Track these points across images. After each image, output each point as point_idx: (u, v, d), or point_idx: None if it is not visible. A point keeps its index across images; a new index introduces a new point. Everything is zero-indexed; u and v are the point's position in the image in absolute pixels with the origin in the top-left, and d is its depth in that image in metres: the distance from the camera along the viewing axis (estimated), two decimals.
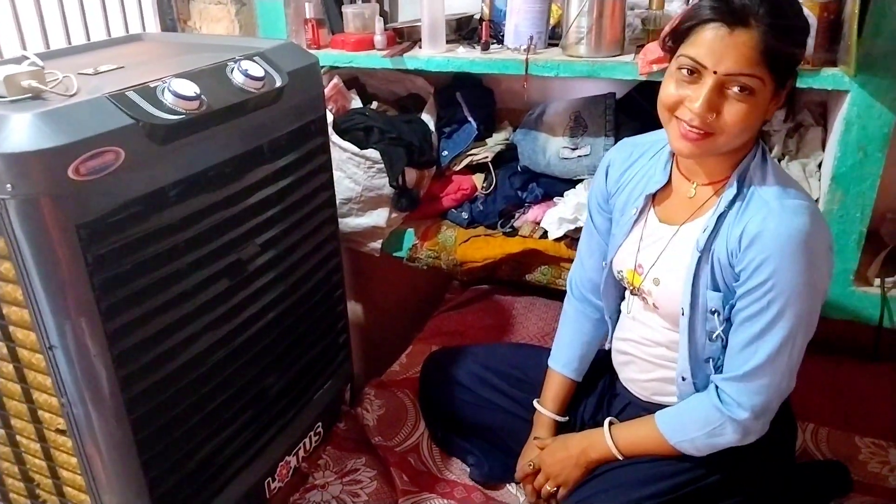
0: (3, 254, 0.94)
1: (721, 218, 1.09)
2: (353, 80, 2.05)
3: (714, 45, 0.97)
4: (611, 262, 1.29)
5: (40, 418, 1.09)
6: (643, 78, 1.53)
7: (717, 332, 1.12)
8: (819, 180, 1.55)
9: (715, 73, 0.98)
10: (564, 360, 1.39)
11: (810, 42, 1.35)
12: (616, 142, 1.72)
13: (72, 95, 1.00)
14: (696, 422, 1.14)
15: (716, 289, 1.10)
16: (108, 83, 1.05)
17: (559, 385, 1.39)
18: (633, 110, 1.78)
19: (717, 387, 1.13)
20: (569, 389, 1.39)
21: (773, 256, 1.01)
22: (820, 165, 1.57)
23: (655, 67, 1.49)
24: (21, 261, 0.92)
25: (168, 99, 1.02)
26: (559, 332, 1.44)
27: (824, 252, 1.04)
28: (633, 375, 1.30)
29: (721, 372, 1.13)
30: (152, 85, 1.03)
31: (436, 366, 1.58)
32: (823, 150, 1.58)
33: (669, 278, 1.16)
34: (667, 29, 1.09)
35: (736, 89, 0.98)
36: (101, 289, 0.97)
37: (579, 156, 1.74)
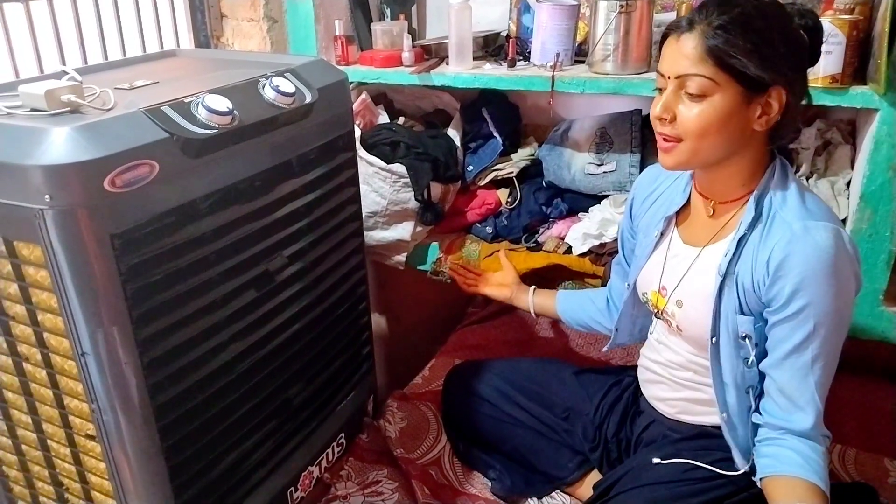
0: (39, 262, 0.97)
1: (742, 241, 1.09)
2: (381, 95, 2.07)
3: (667, 54, 1.05)
4: (634, 283, 1.29)
5: (71, 423, 1.11)
6: None
7: (750, 359, 1.11)
8: (848, 199, 1.53)
9: (669, 77, 1.04)
10: (565, 307, 1.55)
11: (838, 59, 1.35)
12: (642, 158, 1.73)
13: (109, 109, 1.03)
14: (823, 465, 1.08)
15: (743, 312, 1.10)
16: (143, 98, 1.08)
17: (551, 307, 1.57)
18: None
19: (812, 437, 1.08)
20: (550, 311, 1.57)
21: (807, 281, 1.01)
22: (849, 184, 1.56)
23: None
24: (57, 269, 0.95)
25: (201, 114, 1.05)
26: (585, 292, 1.56)
27: (850, 272, 1.03)
28: (660, 394, 1.30)
29: (764, 401, 1.12)
30: (186, 100, 1.06)
31: (458, 379, 1.59)
32: (852, 168, 1.57)
33: (692, 301, 1.16)
34: None
35: (689, 91, 1.02)
36: (134, 298, 0.99)
37: (605, 172, 1.74)
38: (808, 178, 1.59)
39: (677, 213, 1.23)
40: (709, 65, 1.00)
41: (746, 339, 1.10)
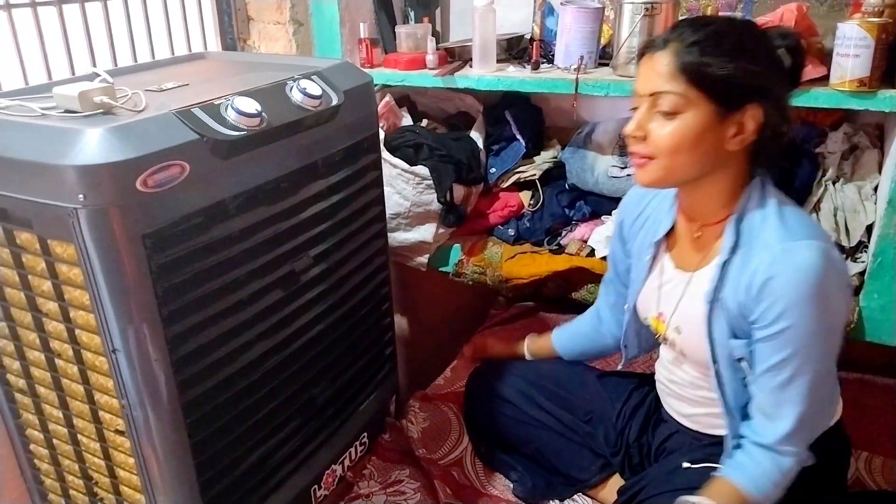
0: (72, 260, 0.99)
1: (726, 266, 1.07)
2: (405, 97, 2.09)
3: (642, 72, 1.05)
4: (633, 307, 1.29)
5: (101, 419, 1.13)
6: None
7: (747, 379, 1.11)
8: (875, 203, 1.52)
9: (643, 96, 1.03)
10: (563, 347, 1.54)
11: (866, 62, 1.34)
12: None
13: (140, 111, 1.05)
14: (777, 483, 1.09)
15: (736, 336, 1.09)
16: (173, 100, 1.10)
17: (548, 350, 1.56)
18: None
19: (773, 449, 1.08)
20: (548, 353, 1.56)
21: (791, 304, 0.99)
22: (876, 189, 1.54)
23: None
24: (89, 267, 0.97)
25: (231, 116, 1.06)
26: (575, 324, 1.54)
27: (837, 288, 1.02)
28: (680, 409, 1.29)
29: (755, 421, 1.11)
30: (216, 102, 1.08)
31: (480, 380, 1.59)
32: (880, 172, 1.55)
33: (689, 327, 1.16)
34: None
35: (662, 109, 1.01)
36: (164, 296, 1.01)
37: (628, 174, 1.74)
38: (834, 183, 1.58)
39: (667, 236, 1.22)
40: (681, 81, 0.99)
41: (742, 362, 1.10)
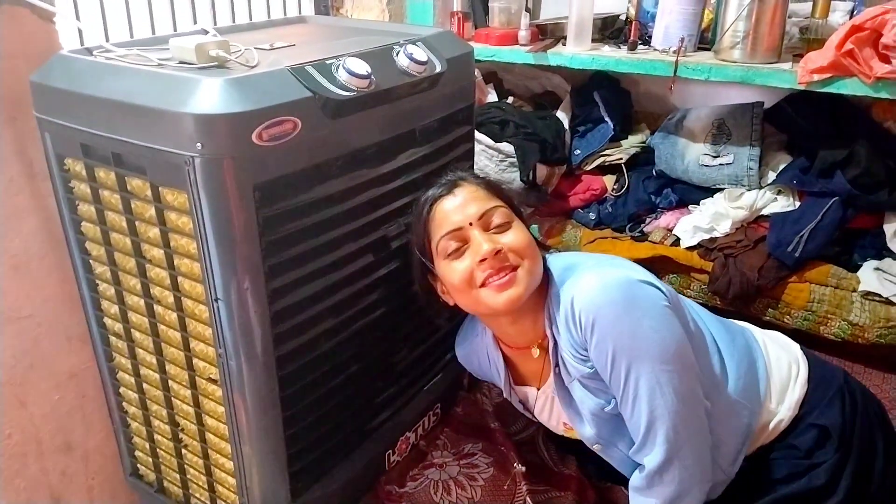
0: (183, 208, 1.01)
1: (556, 348, 1.13)
2: (491, 74, 2.07)
3: (453, 209, 1.12)
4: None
5: (194, 366, 1.16)
6: (801, 87, 1.47)
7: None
8: None
9: (471, 224, 1.10)
10: None
11: None
12: (762, 153, 1.68)
13: (253, 66, 1.06)
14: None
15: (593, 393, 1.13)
16: (284, 58, 1.11)
17: None
18: (782, 121, 1.71)
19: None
20: None
21: (596, 330, 1.03)
22: None
23: (816, 77, 1.43)
24: (200, 216, 0.98)
25: (342, 76, 1.07)
26: None
27: (628, 304, 1.03)
28: None
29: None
30: (328, 62, 1.08)
31: None
32: None
33: (579, 420, 1.18)
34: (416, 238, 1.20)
35: (496, 224, 1.11)
36: (268, 249, 1.02)
37: (721, 164, 1.70)
38: None
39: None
40: (494, 197, 1.14)
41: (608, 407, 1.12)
